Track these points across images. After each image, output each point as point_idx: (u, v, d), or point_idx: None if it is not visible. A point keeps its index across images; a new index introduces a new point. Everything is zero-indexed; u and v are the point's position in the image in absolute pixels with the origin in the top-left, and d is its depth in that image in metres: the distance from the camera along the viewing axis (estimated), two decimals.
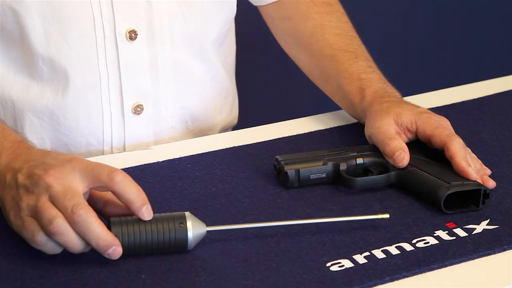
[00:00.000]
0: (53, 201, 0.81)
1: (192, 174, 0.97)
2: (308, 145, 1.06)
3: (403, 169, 0.96)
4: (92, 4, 1.03)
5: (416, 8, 1.97)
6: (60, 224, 0.79)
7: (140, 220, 0.82)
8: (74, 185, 0.81)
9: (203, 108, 1.15)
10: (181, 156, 1.02)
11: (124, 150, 1.10)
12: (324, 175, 0.96)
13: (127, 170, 0.94)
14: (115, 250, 0.80)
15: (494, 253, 0.86)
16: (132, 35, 1.05)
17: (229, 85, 1.20)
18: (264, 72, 2.00)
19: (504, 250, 0.86)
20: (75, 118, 1.07)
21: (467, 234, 0.88)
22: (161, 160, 1.00)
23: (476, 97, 1.19)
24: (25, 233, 0.82)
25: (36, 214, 0.81)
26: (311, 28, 1.16)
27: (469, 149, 0.98)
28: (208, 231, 0.84)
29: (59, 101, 1.06)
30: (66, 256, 0.83)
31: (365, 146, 1.00)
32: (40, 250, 0.82)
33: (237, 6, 1.18)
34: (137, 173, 0.97)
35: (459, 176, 0.94)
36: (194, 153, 1.02)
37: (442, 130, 0.97)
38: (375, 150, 0.99)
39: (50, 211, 0.80)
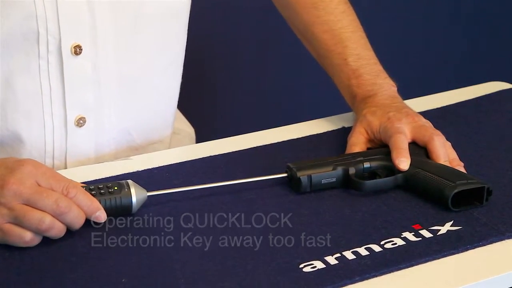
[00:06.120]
0: (30, 203, 0.85)
1: (171, 183, 0.99)
2: (285, 153, 1.09)
3: (409, 171, 0.99)
4: (38, 19, 1.00)
5: (376, 20, 2.01)
6: (50, 221, 0.86)
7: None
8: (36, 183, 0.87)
9: (145, 121, 1.15)
10: (160, 165, 1.04)
11: (66, 161, 1.09)
12: (334, 180, 0.99)
13: (109, 180, 0.97)
14: (102, 212, 0.90)
15: (458, 252, 0.88)
16: (77, 50, 1.03)
17: (173, 100, 1.19)
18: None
19: (467, 249, 0.89)
20: (16, 130, 1.05)
21: (432, 235, 0.91)
22: (140, 170, 1.03)
23: (439, 106, 1.23)
24: (11, 239, 0.86)
25: (20, 220, 0.85)
26: (303, 26, 1.19)
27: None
28: (149, 196, 0.93)
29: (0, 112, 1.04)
30: (48, 261, 0.86)
31: (370, 151, 1.04)
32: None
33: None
34: None
35: (462, 174, 0.98)
36: (172, 163, 1.05)
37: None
38: (381, 154, 1.02)
39: (34, 214, 0.85)
